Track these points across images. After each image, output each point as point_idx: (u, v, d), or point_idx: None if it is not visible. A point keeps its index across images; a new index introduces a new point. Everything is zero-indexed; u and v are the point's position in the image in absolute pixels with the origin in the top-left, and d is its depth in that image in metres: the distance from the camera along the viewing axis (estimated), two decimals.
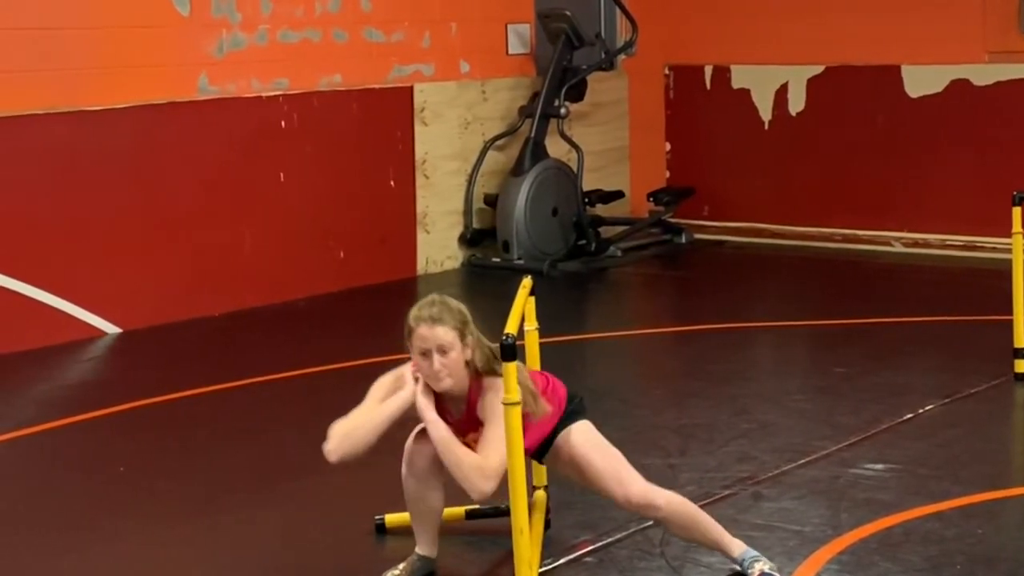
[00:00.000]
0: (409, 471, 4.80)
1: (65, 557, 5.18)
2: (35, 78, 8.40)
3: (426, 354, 4.54)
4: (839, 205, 11.30)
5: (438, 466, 4.70)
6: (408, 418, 4.65)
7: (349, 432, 4.61)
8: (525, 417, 4.43)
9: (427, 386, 4.58)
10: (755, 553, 4.76)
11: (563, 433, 4.76)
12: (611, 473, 4.72)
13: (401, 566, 4.82)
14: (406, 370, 4.66)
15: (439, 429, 4.53)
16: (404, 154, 10.30)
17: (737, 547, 4.77)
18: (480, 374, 4.61)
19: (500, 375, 4.41)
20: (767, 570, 4.67)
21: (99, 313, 8.65)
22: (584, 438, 4.77)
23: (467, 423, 4.64)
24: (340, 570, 5.00)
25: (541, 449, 4.81)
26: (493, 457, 4.46)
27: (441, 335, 4.53)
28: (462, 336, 4.56)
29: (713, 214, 11.89)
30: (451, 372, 4.55)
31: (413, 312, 4.58)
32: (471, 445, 4.56)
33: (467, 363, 4.59)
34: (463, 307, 4.63)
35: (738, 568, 4.73)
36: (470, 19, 10.72)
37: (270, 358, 8.03)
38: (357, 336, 8.58)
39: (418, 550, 4.86)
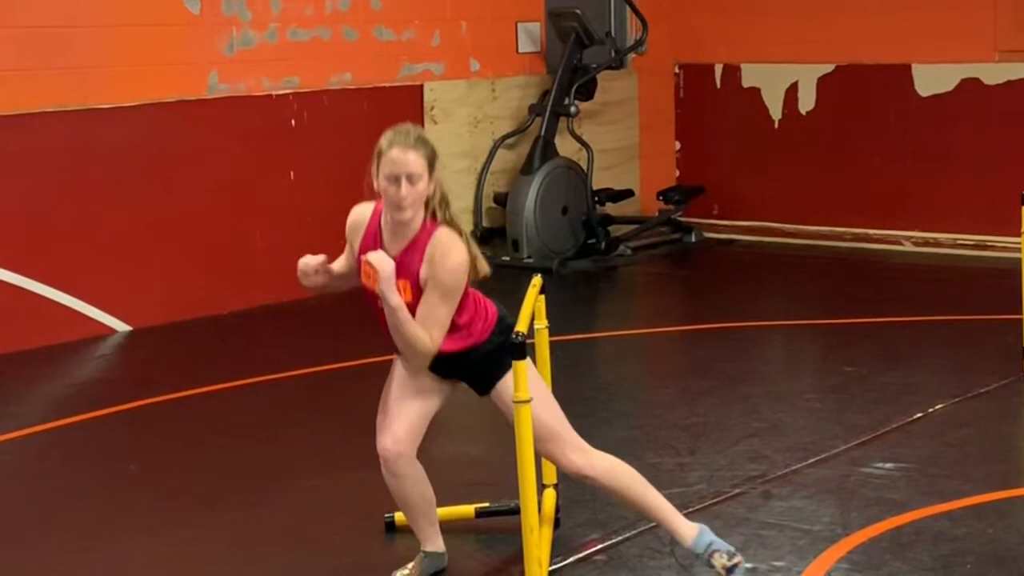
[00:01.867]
0: (386, 469, 4.72)
1: (74, 555, 5.18)
2: (45, 76, 8.41)
3: (394, 180, 4.48)
4: (849, 204, 11.28)
5: (411, 458, 4.68)
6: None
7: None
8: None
9: (390, 274, 4.44)
10: (710, 539, 4.58)
11: (506, 379, 4.56)
12: (550, 435, 4.58)
13: (410, 565, 4.81)
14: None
15: (401, 311, 4.44)
16: None
17: (687, 533, 4.61)
18: (434, 219, 4.57)
19: (451, 225, 4.54)
20: (728, 563, 4.54)
21: (109, 311, 8.66)
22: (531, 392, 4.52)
23: (402, 265, 4.53)
24: (350, 568, 5.00)
25: (476, 380, 4.64)
26: (436, 334, 4.49)
27: (413, 161, 4.48)
28: (431, 169, 4.53)
29: (723, 213, 11.88)
30: (414, 202, 4.51)
31: (387, 136, 4.52)
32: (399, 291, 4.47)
33: (427, 201, 4.55)
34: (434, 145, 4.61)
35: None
36: (480, 18, 10.71)
37: (280, 356, 8.03)
38: (368, 334, 8.52)
39: (424, 548, 4.85)
